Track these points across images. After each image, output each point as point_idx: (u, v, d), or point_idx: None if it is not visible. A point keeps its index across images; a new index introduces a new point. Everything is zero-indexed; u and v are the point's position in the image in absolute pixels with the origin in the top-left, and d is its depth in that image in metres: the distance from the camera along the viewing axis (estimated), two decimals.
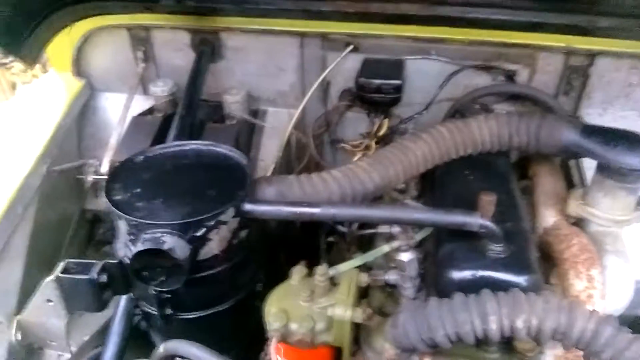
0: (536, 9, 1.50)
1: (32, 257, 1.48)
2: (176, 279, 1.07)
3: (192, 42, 1.85)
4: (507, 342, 1.06)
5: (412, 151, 1.33)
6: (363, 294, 1.18)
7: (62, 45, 1.89)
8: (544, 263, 1.22)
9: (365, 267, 1.37)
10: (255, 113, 1.94)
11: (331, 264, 1.91)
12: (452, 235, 1.14)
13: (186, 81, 1.75)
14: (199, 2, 1.70)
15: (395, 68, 1.68)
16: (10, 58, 1.70)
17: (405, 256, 1.16)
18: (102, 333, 1.34)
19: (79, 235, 1.85)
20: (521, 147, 1.37)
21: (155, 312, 1.20)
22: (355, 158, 1.87)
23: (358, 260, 1.12)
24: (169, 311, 1.17)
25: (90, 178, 1.75)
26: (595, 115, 1.73)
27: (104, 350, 1.27)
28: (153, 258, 1.05)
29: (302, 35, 1.76)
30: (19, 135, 1.72)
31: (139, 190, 1.17)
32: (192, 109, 1.66)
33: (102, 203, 1.90)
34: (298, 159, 1.97)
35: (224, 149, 1.31)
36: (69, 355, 1.33)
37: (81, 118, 1.94)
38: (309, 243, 1.83)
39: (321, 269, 1.05)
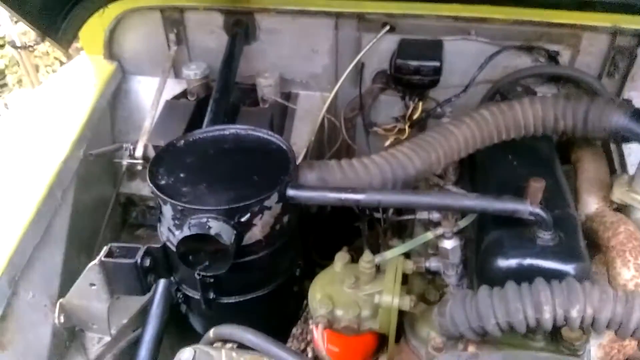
0: None
1: (71, 240, 1.50)
2: (221, 263, 1.07)
3: (225, 24, 1.83)
4: (553, 331, 1.05)
5: (454, 135, 1.30)
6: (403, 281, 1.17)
7: (93, 28, 1.88)
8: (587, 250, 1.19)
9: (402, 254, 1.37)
10: (287, 96, 1.92)
11: (362, 249, 1.91)
12: (497, 222, 1.12)
13: (219, 64, 1.73)
14: None
15: (434, 49, 1.64)
16: (45, 41, 1.68)
17: (449, 243, 1.14)
18: (140, 316, 1.37)
19: (113, 219, 1.86)
20: (567, 131, 1.33)
21: (197, 296, 1.21)
22: (388, 142, 1.85)
23: (403, 247, 1.11)
24: (211, 295, 1.18)
25: (125, 162, 1.76)
26: (638, 98, 1.67)
27: (144, 333, 1.29)
28: (198, 243, 1.05)
29: (337, 15, 1.72)
30: (53, 119, 1.73)
31: (182, 174, 1.17)
32: (227, 92, 1.65)
33: (135, 186, 1.92)
34: (329, 142, 1.95)
35: (264, 133, 1.30)
36: (109, 338, 1.35)
37: (113, 102, 1.95)
38: (337, 228, 1.83)
39: (367, 256, 1.04)
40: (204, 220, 1.04)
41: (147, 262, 1.17)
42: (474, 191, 1.32)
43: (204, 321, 1.32)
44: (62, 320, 1.29)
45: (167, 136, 1.67)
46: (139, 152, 1.74)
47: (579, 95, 1.37)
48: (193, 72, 1.83)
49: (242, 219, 1.08)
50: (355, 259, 1.91)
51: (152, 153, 1.74)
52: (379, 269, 1.07)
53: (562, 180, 1.30)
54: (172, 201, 1.08)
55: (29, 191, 1.39)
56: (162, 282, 1.28)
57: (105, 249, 1.18)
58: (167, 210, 1.11)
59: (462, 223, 1.17)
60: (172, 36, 1.89)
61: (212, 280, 1.15)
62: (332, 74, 1.87)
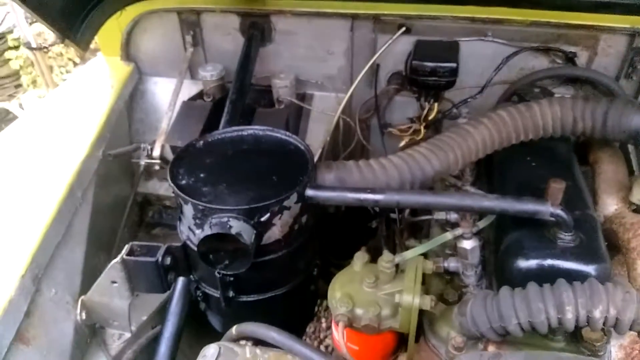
0: None
1: (91, 239, 1.52)
2: (241, 262, 1.09)
3: (241, 26, 1.85)
4: (574, 332, 1.04)
5: (472, 136, 1.30)
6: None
7: (111, 30, 1.91)
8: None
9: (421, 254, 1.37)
10: (302, 97, 1.93)
11: (377, 249, 1.92)
12: (517, 223, 1.12)
13: (235, 65, 1.75)
14: None
15: (450, 50, 1.64)
16: (64, 43, 1.70)
17: (468, 244, 1.14)
18: (159, 313, 1.38)
19: (131, 218, 1.89)
20: (586, 133, 1.33)
21: (216, 294, 1.22)
22: (403, 143, 1.85)
23: (423, 247, 1.11)
24: (231, 293, 1.19)
25: (143, 162, 1.78)
26: None
27: (163, 330, 1.31)
28: (218, 242, 1.06)
29: (353, 17, 1.73)
30: (72, 120, 1.75)
31: (202, 175, 1.18)
32: (243, 93, 1.66)
33: (151, 186, 1.94)
34: (344, 143, 1.96)
35: (282, 134, 1.31)
36: (129, 334, 1.37)
37: (130, 103, 1.97)
38: (351, 228, 1.83)
39: (387, 256, 1.04)
40: (225, 219, 1.05)
41: (168, 261, 1.18)
42: (492, 192, 1.33)
43: (223, 319, 1.33)
44: (83, 317, 1.32)
45: (184, 137, 1.69)
46: (156, 153, 1.76)
47: (598, 97, 1.37)
48: (209, 73, 1.85)
49: (262, 219, 1.09)
50: (373, 258, 1.92)
51: (169, 153, 1.76)
52: (398, 269, 1.08)
53: (581, 182, 1.30)
54: (194, 201, 1.09)
55: (50, 191, 1.41)
56: (181, 280, 1.29)
57: (126, 247, 1.20)
58: (188, 210, 1.12)
59: (482, 224, 1.17)
60: (188, 38, 1.91)
61: (231, 278, 1.16)
62: (348, 75, 1.87)
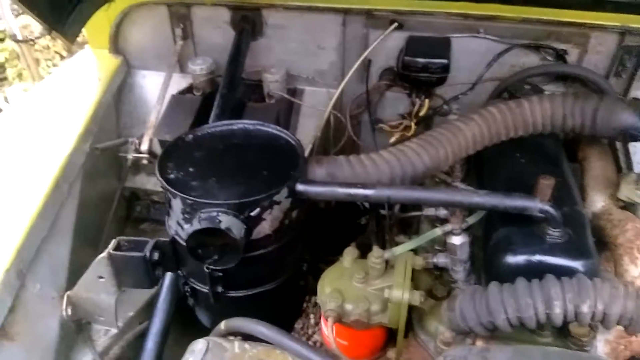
0: None
1: (78, 234, 1.50)
2: (231, 257, 1.08)
3: (232, 20, 1.83)
4: (561, 327, 1.05)
5: (463, 132, 1.30)
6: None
7: (99, 22, 1.88)
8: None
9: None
10: (293, 92, 1.92)
11: (366, 245, 1.91)
12: (505, 219, 1.13)
13: (225, 59, 1.73)
14: None
15: (442, 46, 1.64)
16: (51, 35, 1.67)
17: (458, 239, 1.14)
18: (147, 309, 1.37)
19: (118, 213, 1.87)
20: (575, 130, 1.33)
21: (205, 289, 1.21)
22: (393, 139, 1.85)
23: (412, 243, 1.11)
24: (219, 289, 1.18)
25: (131, 156, 1.76)
26: None
27: (151, 326, 1.30)
28: (208, 237, 1.05)
29: (345, 12, 1.72)
30: (58, 113, 1.72)
31: (192, 169, 1.17)
32: (234, 87, 1.65)
33: (139, 180, 1.92)
34: (335, 139, 1.95)
35: (273, 129, 1.30)
36: (116, 330, 1.35)
37: (118, 96, 1.94)
38: (340, 224, 1.83)
39: (376, 252, 1.04)
40: (214, 214, 1.05)
41: (156, 256, 1.17)
42: (481, 188, 1.33)
43: (211, 314, 1.32)
44: (69, 312, 1.30)
45: (173, 131, 1.68)
46: (144, 146, 1.74)
47: (588, 94, 1.38)
48: (199, 67, 1.83)
49: (252, 214, 1.08)
50: (362, 254, 1.92)
51: (157, 147, 1.74)
52: (387, 265, 1.08)
53: (570, 178, 1.31)
54: (182, 195, 1.08)
55: (36, 185, 1.39)
56: (169, 276, 1.28)
57: (113, 242, 1.19)
58: (177, 204, 1.11)
59: (471, 220, 1.18)
60: (178, 31, 1.88)
61: (220, 274, 1.15)
62: (339, 71, 1.87)
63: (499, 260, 1.08)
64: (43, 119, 1.69)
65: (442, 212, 1.30)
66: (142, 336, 1.32)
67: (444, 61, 1.60)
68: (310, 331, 1.63)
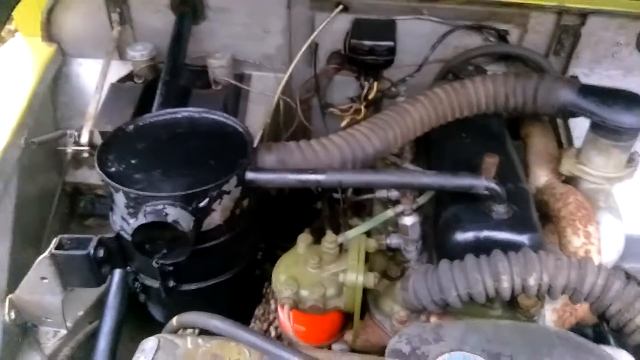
0: None
1: (17, 233, 1.42)
2: (181, 251, 1.05)
3: (171, 3, 1.76)
4: (510, 299, 1.09)
5: (410, 115, 1.31)
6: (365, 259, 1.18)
7: (29, 8, 1.77)
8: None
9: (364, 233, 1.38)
10: (240, 77, 1.88)
11: (321, 229, 1.91)
12: (454, 198, 1.15)
13: (166, 45, 1.67)
14: None
15: (388, 29, 1.64)
16: None
17: (409, 220, 1.16)
18: (97, 307, 1.32)
19: (61, 209, 1.78)
20: (517, 108, 1.37)
21: (156, 285, 1.18)
22: (344, 122, 1.85)
23: (365, 226, 1.12)
24: (171, 283, 1.15)
25: (70, 149, 1.67)
26: (581, 75, 1.74)
27: (102, 325, 1.25)
28: (155, 231, 1.02)
29: None
30: None
31: (134, 161, 1.12)
32: (176, 74, 1.59)
33: (81, 175, 1.84)
34: (285, 124, 1.93)
35: (219, 116, 1.26)
36: (65, 331, 1.30)
37: (54, 86, 1.84)
38: (295, 209, 1.82)
39: (330, 237, 1.04)
40: (160, 207, 1.01)
41: (101, 253, 1.12)
42: (430, 169, 1.35)
43: (165, 309, 1.28)
44: (12, 316, 1.23)
45: (113, 121, 1.60)
46: (84, 139, 1.67)
47: (528, 73, 1.42)
48: (139, 53, 1.76)
49: (201, 205, 1.05)
50: (317, 239, 1.92)
51: (98, 139, 1.67)
52: (341, 249, 1.08)
53: (514, 155, 1.35)
54: (125, 189, 1.03)
55: None
56: (117, 272, 1.23)
57: (55, 241, 1.13)
58: (120, 199, 1.06)
59: (421, 200, 1.19)
60: (114, 16, 1.79)
61: (171, 268, 1.11)
62: (286, 55, 1.84)
63: (449, 238, 1.10)
64: None
65: (394, 194, 1.31)
66: (93, 336, 1.26)
67: (390, 43, 1.61)
68: (271, 317, 1.62)
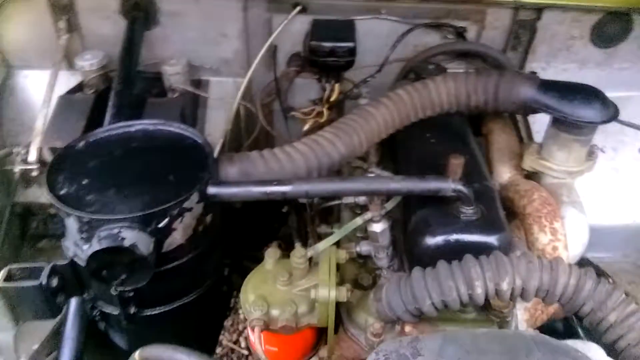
0: None
1: None
2: (141, 275, 0.98)
3: (121, 8, 1.68)
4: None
5: (374, 117, 1.29)
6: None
7: None
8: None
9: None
10: (197, 84, 1.81)
11: (289, 237, 1.87)
12: (422, 201, 1.13)
13: (118, 52, 1.59)
14: None
15: (347, 29, 1.62)
16: None
17: (378, 227, 1.13)
18: (53, 339, 1.24)
19: (11, 232, 1.67)
20: (479, 106, 1.36)
21: (116, 312, 1.11)
22: (307, 125, 1.82)
23: (334, 236, 1.08)
24: (133, 310, 1.08)
25: (18, 168, 1.57)
26: (538, 69, 1.77)
27: (60, 357, 1.17)
28: (112, 255, 0.95)
29: None
30: None
31: (86, 181, 1.05)
32: (130, 83, 1.52)
33: (32, 194, 1.74)
34: (247, 131, 1.88)
35: (176, 127, 1.20)
36: None
37: None
38: (261, 216, 1.78)
39: (299, 251, 1.00)
40: (116, 230, 0.94)
41: (55, 282, 1.04)
42: (396, 171, 1.33)
43: (127, 337, 1.21)
44: None
45: (64, 136, 1.52)
46: (32, 156, 1.56)
47: (489, 71, 1.42)
48: (88, 62, 1.67)
49: (160, 225, 0.99)
50: (283, 248, 1.88)
51: (48, 156, 1.57)
52: (311, 262, 1.04)
53: (478, 154, 1.34)
54: (76, 212, 0.96)
55: None
56: (73, 301, 1.16)
57: (3, 272, 1.04)
58: (72, 223, 0.99)
59: (389, 205, 1.17)
60: (61, 23, 1.70)
61: (132, 294, 1.05)
62: (244, 59, 1.79)
63: (419, 243, 1.08)
64: None
65: (362, 199, 1.29)
66: None
67: (350, 44, 1.58)
68: (241, 327, 1.58)
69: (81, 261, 1.03)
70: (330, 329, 1.00)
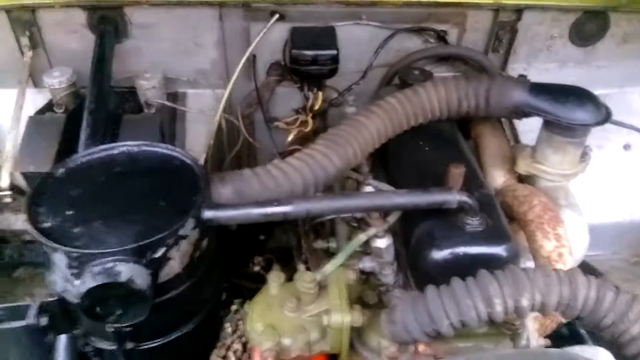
0: None
1: None
2: (138, 310, 0.92)
3: (89, 22, 1.58)
4: None
5: (367, 127, 1.25)
6: None
7: None
8: None
9: (329, 257, 1.31)
10: (173, 97, 1.74)
11: (281, 250, 1.80)
12: (425, 214, 1.10)
13: (86, 68, 1.50)
14: None
15: (328, 36, 1.58)
16: None
17: (383, 242, 1.10)
18: None
19: None
20: (470, 112, 1.35)
21: (111, 347, 1.03)
22: (291, 136, 1.77)
23: (340, 257, 1.04)
24: (129, 345, 1.01)
25: None
26: (520, 70, 1.78)
27: None
28: (106, 290, 0.88)
29: (220, 5, 1.57)
30: None
31: (71, 212, 0.97)
32: (103, 100, 1.43)
33: (4, 221, 1.62)
34: (229, 144, 1.81)
35: (163, 148, 1.13)
36: None
37: None
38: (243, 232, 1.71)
39: (308, 276, 0.95)
40: (110, 265, 0.87)
41: (45, 321, 0.96)
42: (389, 181, 1.30)
43: None
44: None
45: (36, 159, 1.42)
46: (4, 182, 1.45)
47: (479, 75, 1.40)
48: (57, 80, 1.56)
49: (156, 255, 0.93)
50: (273, 260, 1.81)
51: (20, 181, 1.47)
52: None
53: (472, 160, 1.33)
54: (65, 248, 0.89)
55: None
56: (62, 338, 1.07)
57: None
58: (59, 258, 0.91)
59: (392, 219, 1.13)
60: (24, 40, 1.59)
61: (128, 329, 0.98)
62: (223, 69, 1.72)
63: (424, 257, 1.05)
64: None
65: (358, 213, 1.25)
66: None
67: (333, 52, 1.54)
68: (229, 341, 1.51)
69: (72, 297, 0.95)
70: (344, 354, 0.95)
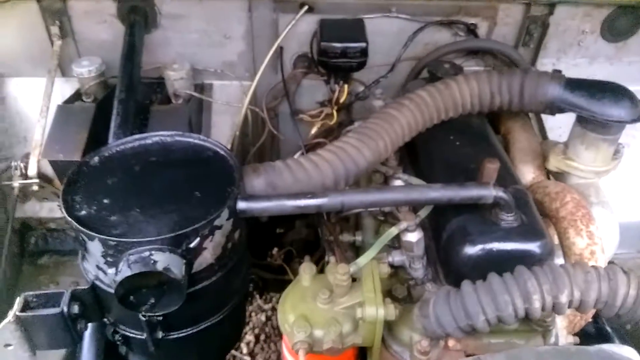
0: None
1: None
2: (172, 299, 0.92)
3: (119, 12, 1.60)
4: None
5: (398, 120, 1.24)
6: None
7: None
8: None
9: (354, 250, 1.30)
10: (200, 88, 1.74)
11: (300, 241, 1.81)
12: (456, 208, 1.09)
13: (114, 58, 1.51)
14: None
15: (357, 29, 1.56)
16: None
17: (414, 236, 1.09)
18: None
19: (10, 249, 1.58)
20: (503, 106, 1.33)
21: (140, 336, 1.04)
22: (315, 128, 1.76)
23: (373, 250, 1.03)
24: (160, 334, 1.02)
25: (17, 183, 1.48)
26: (549, 65, 1.75)
27: None
28: (140, 279, 0.89)
29: None
30: None
31: (107, 200, 0.98)
32: (133, 90, 1.43)
33: (29, 208, 1.65)
34: (253, 135, 1.82)
35: (196, 139, 1.13)
36: None
37: None
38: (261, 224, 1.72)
39: (342, 268, 0.94)
40: (146, 254, 0.88)
41: (76, 309, 0.97)
42: (419, 175, 1.29)
43: None
44: None
45: (65, 148, 1.44)
46: (32, 171, 1.48)
47: (512, 70, 1.38)
48: (86, 69, 1.58)
49: (191, 245, 0.93)
50: (293, 252, 1.81)
51: (48, 169, 1.49)
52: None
53: (505, 155, 1.31)
54: (102, 236, 0.89)
55: None
56: (90, 326, 1.09)
57: (19, 301, 0.96)
58: (95, 247, 0.92)
59: (423, 213, 1.12)
60: (54, 29, 1.61)
61: (160, 318, 0.98)
62: (250, 61, 1.72)
63: (457, 252, 1.04)
64: None
65: (386, 207, 1.24)
66: None
67: (363, 44, 1.53)
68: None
69: (104, 285, 0.96)
70: (377, 348, 0.95)
